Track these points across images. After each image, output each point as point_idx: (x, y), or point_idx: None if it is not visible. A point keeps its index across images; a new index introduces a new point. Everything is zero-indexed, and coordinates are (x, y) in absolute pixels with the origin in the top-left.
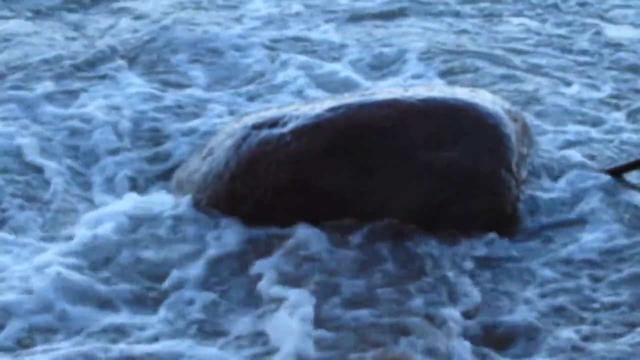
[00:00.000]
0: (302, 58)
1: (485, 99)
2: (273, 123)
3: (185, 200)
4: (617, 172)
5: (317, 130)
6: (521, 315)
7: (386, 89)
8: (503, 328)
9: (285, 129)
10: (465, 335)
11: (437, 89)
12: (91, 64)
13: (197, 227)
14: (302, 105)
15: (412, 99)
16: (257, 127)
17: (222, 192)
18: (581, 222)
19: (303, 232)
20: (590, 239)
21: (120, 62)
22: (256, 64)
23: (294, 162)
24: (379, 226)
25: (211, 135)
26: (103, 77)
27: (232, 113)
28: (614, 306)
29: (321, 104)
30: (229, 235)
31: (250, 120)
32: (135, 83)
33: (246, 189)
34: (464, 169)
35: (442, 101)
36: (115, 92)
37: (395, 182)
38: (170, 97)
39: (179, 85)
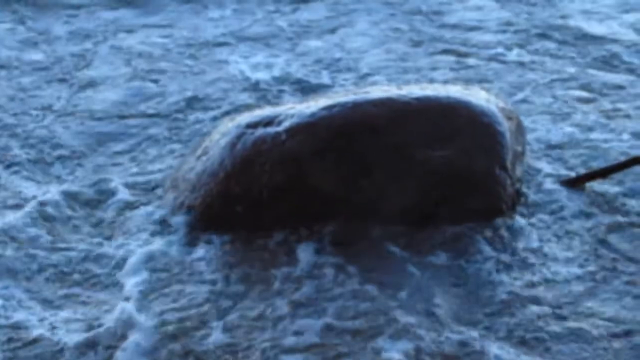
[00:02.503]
0: None
1: (479, 97)
2: (268, 122)
3: None
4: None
5: (312, 128)
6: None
7: (380, 88)
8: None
9: (280, 128)
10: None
11: (432, 87)
12: None
13: None
14: (297, 103)
15: (406, 97)
16: (252, 125)
17: (217, 191)
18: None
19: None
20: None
21: None
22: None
23: (289, 161)
24: (370, 227)
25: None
26: None
27: None
28: None
29: (316, 102)
30: None
31: (245, 119)
32: None
33: (241, 188)
34: (459, 167)
35: (437, 99)
36: None
37: (390, 181)
38: None
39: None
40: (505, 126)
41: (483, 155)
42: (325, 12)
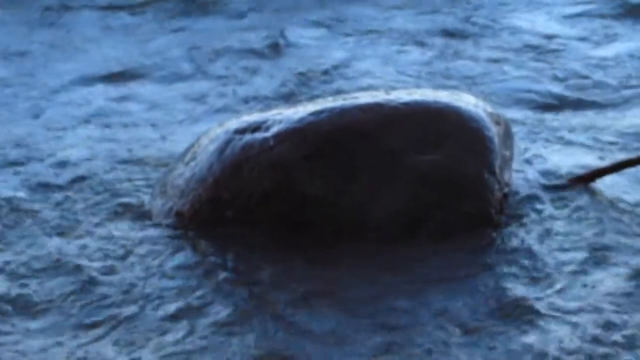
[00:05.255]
0: None
1: (467, 102)
2: (256, 127)
3: None
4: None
5: (300, 134)
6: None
7: (369, 93)
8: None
9: (268, 134)
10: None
11: (420, 92)
12: None
13: None
14: (285, 109)
15: (394, 102)
16: (240, 131)
17: (206, 197)
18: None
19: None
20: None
21: None
22: None
23: (277, 167)
24: (359, 232)
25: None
26: None
27: None
28: None
29: (304, 107)
30: None
31: (233, 124)
32: None
33: (230, 193)
34: (447, 172)
35: (425, 104)
36: None
37: (379, 186)
38: None
39: None
40: (494, 131)
41: (472, 160)
42: None
